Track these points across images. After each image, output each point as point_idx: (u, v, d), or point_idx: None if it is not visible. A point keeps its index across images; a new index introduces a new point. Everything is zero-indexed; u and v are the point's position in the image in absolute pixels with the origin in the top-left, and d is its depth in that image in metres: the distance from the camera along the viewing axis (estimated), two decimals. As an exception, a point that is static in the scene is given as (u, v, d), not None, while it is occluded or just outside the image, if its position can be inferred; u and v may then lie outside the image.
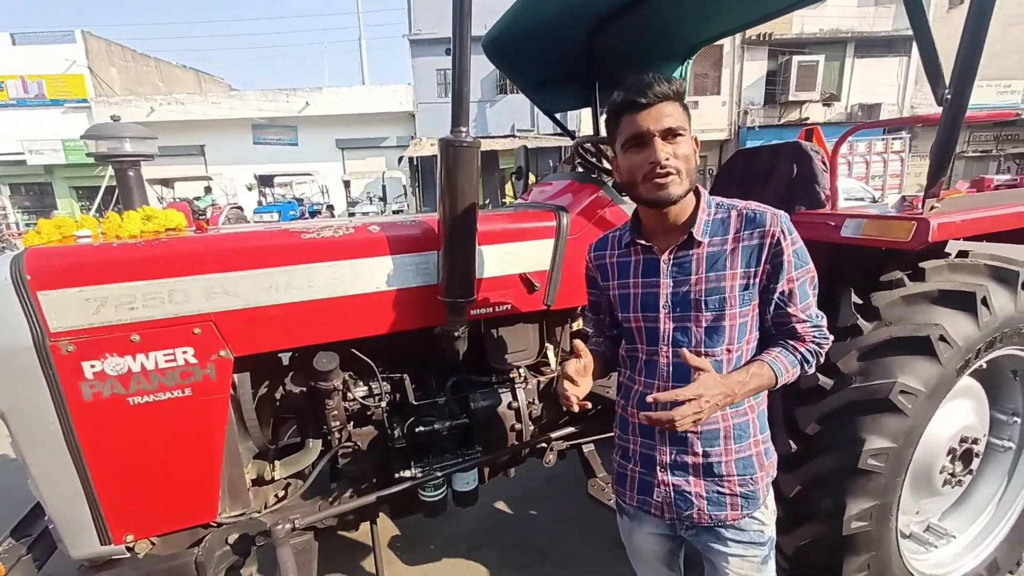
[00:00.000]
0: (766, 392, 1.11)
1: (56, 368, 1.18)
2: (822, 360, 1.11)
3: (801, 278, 1.05)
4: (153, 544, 1.40)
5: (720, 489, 1.09)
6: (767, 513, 1.13)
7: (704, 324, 1.05)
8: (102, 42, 18.63)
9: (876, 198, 10.79)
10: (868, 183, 13.27)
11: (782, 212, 1.05)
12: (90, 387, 1.22)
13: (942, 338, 1.48)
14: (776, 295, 1.05)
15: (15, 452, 1.24)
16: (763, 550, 1.12)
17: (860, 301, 1.60)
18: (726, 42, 17.11)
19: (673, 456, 1.10)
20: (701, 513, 1.10)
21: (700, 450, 1.08)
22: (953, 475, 1.74)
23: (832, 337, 1.11)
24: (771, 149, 2.16)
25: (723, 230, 1.05)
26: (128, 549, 1.35)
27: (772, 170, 2.10)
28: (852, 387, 1.49)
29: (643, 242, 1.11)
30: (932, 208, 1.49)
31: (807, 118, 17.42)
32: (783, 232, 1.02)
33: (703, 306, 1.04)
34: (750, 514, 1.10)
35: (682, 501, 1.11)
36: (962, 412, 1.75)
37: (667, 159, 0.98)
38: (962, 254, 1.81)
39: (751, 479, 1.09)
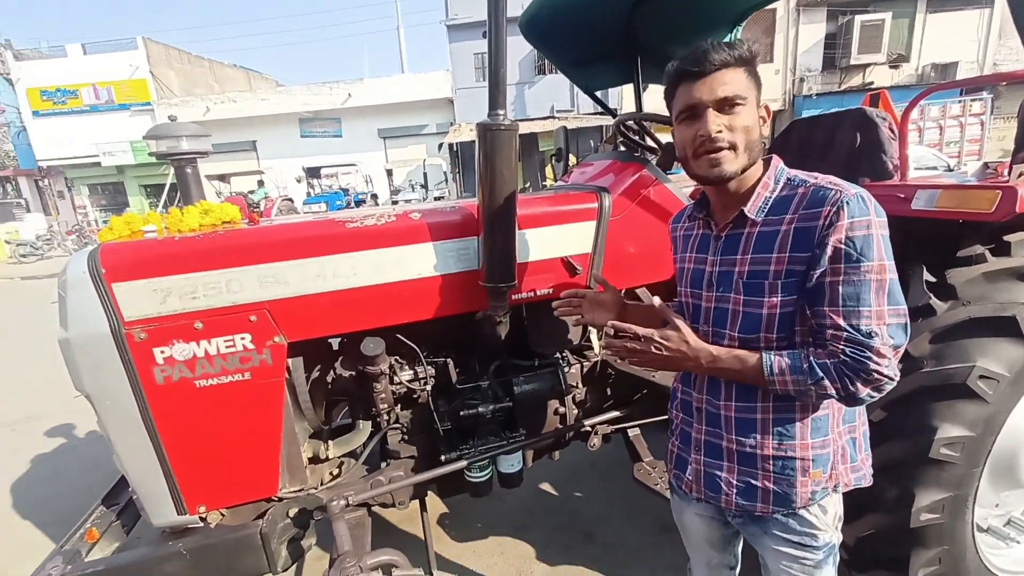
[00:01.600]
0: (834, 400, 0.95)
1: (131, 354, 1.28)
2: (858, 392, 0.86)
3: (850, 274, 0.85)
4: (223, 515, 1.51)
5: (751, 480, 1.02)
6: (824, 519, 1.03)
7: (740, 307, 0.98)
8: (161, 47, 19.75)
9: (951, 166, 9.89)
10: (942, 150, 12.15)
11: (856, 191, 0.87)
12: (161, 371, 1.31)
13: (1030, 318, 1.34)
14: (813, 284, 0.89)
15: (100, 430, 1.37)
16: (815, 554, 1.04)
17: (933, 279, 1.48)
18: (779, 5, 15.97)
19: (706, 436, 1.07)
20: (729, 500, 1.05)
21: (734, 436, 1.02)
22: (1040, 467, 1.60)
23: (892, 378, 0.85)
24: (832, 117, 2.01)
25: (784, 209, 0.93)
26: (201, 519, 1.46)
27: (832, 140, 1.95)
28: (923, 371, 1.38)
29: (703, 216, 1.07)
30: (1021, 175, 1.35)
31: (871, 83, 16.08)
32: (839, 211, 0.85)
33: (741, 288, 0.97)
34: (783, 512, 1.02)
35: (711, 484, 1.07)
36: (1052, 399, 1.59)
37: (719, 132, 0.91)
38: (1056, 225, 1.62)
39: (788, 481, 0.99)
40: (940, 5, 15.79)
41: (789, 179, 0.97)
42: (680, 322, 1.00)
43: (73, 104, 18.91)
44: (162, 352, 1.31)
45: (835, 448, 1.01)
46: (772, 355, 0.92)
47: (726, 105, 0.91)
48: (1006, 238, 1.49)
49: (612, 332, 1.05)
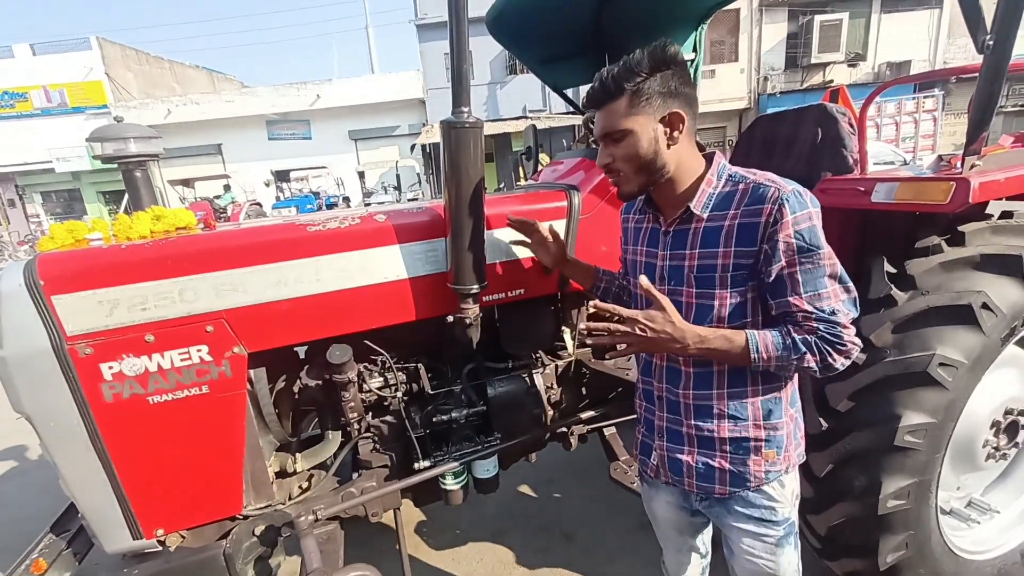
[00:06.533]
0: (788, 383, 1.06)
1: (76, 371, 1.20)
2: (835, 362, 0.94)
3: (805, 263, 0.92)
4: (183, 537, 1.43)
5: (710, 462, 1.07)
6: (783, 492, 1.08)
7: (693, 300, 1.02)
8: (117, 47, 18.94)
9: (907, 160, 10.30)
10: (898, 145, 12.65)
11: (792, 187, 0.93)
12: (110, 388, 1.23)
13: (985, 306, 1.39)
14: (772, 279, 0.94)
15: (44, 453, 1.28)
16: (776, 530, 1.08)
17: (894, 270, 1.51)
18: (742, 5, 16.38)
19: (668, 423, 1.12)
20: (691, 483, 1.10)
21: (693, 421, 1.07)
22: (997, 448, 1.66)
23: (859, 344, 0.95)
24: (793, 113, 2.04)
25: (726, 204, 0.99)
26: (159, 543, 1.38)
27: (795, 135, 1.99)
28: (886, 361, 1.41)
29: (652, 211, 1.11)
30: (972, 166, 1.39)
31: (831, 81, 16.65)
32: (781, 208, 0.91)
33: (692, 282, 1.01)
34: (739, 492, 1.07)
35: (674, 467, 1.12)
36: (1007, 383, 1.65)
37: (607, 163, 1.03)
38: (1006, 215, 1.69)
39: (742, 461, 1.05)
40: (894, 6, 16.46)
41: (730, 175, 1.02)
42: (666, 302, 0.98)
43: (22, 108, 17.97)
44: (110, 368, 1.23)
45: (788, 431, 1.07)
46: (756, 334, 0.95)
47: (608, 139, 1.01)
48: (960, 228, 1.55)
49: (591, 311, 1.02)
